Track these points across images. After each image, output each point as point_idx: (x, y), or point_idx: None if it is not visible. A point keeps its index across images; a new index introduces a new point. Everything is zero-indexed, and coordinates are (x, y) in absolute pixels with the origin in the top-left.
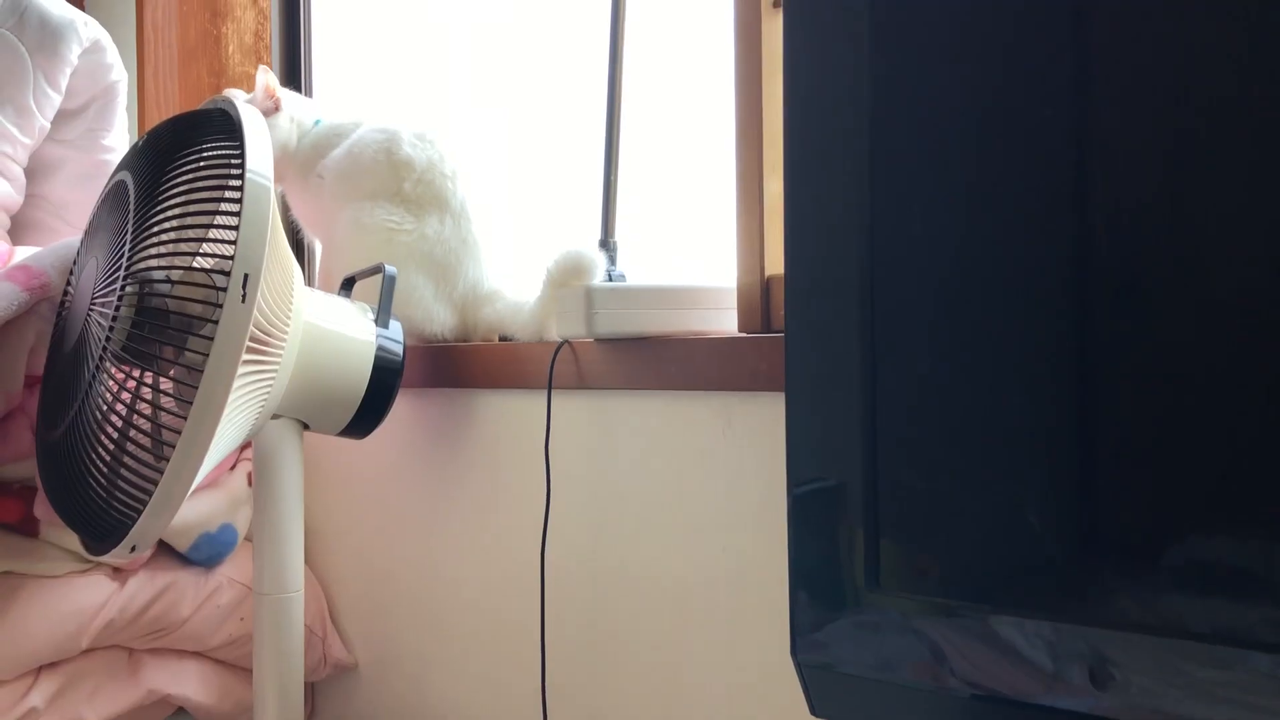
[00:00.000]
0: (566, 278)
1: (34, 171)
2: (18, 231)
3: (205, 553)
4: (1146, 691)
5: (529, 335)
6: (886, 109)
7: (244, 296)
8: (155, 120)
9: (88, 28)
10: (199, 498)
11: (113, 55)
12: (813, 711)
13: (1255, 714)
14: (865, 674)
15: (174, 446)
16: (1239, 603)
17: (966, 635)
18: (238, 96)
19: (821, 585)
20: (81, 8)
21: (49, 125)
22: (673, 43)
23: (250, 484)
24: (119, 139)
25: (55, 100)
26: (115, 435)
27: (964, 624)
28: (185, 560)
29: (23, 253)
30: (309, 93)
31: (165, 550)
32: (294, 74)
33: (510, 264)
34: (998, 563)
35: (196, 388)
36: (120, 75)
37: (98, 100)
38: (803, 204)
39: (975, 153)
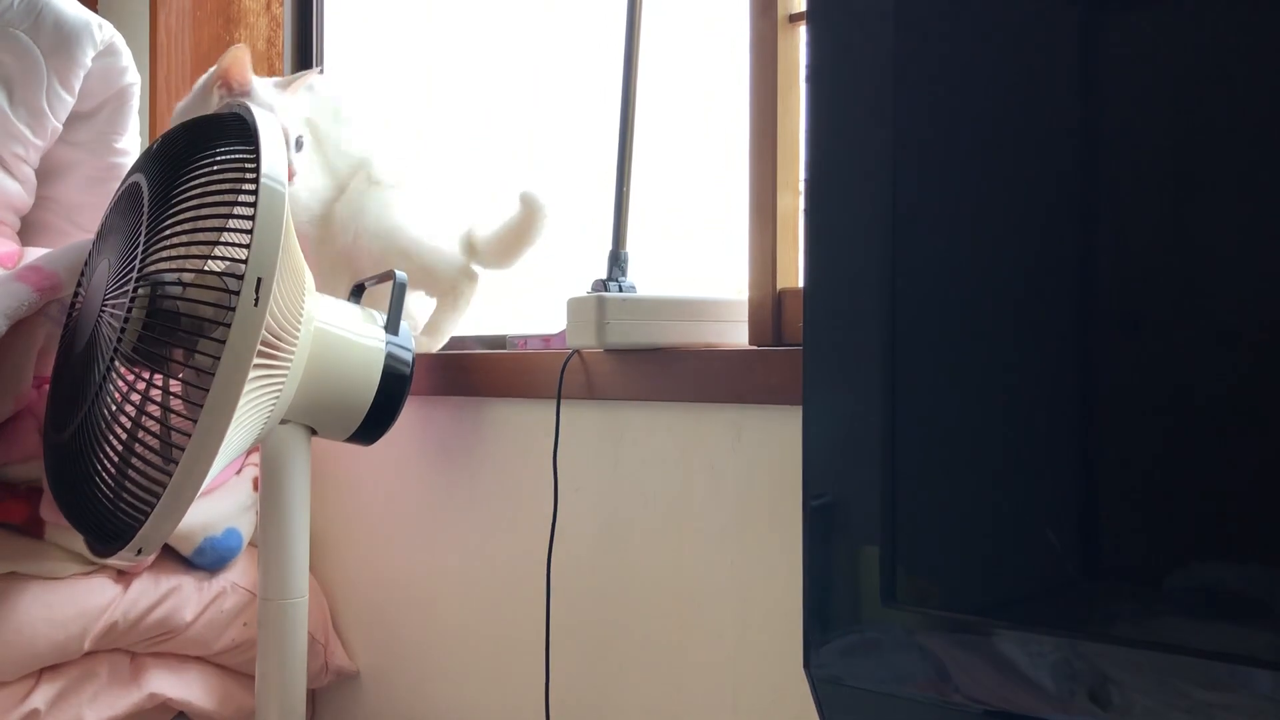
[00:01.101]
0: (521, 220)
1: (45, 173)
2: (28, 233)
3: (209, 557)
4: (1150, 712)
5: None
6: (910, 123)
7: (257, 300)
8: (167, 125)
9: (102, 30)
10: (204, 502)
11: (127, 58)
12: None
13: None
14: (877, 688)
15: (183, 449)
16: (1242, 623)
17: (979, 652)
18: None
19: (835, 599)
20: (94, 9)
21: (61, 127)
22: (687, 56)
23: (256, 489)
24: (131, 142)
25: (68, 102)
26: (124, 437)
27: (977, 641)
28: (189, 564)
29: (33, 254)
30: None
31: (169, 554)
32: None
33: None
34: (1012, 581)
35: (207, 390)
36: (134, 78)
37: (110, 103)
38: (824, 218)
39: (1000, 170)
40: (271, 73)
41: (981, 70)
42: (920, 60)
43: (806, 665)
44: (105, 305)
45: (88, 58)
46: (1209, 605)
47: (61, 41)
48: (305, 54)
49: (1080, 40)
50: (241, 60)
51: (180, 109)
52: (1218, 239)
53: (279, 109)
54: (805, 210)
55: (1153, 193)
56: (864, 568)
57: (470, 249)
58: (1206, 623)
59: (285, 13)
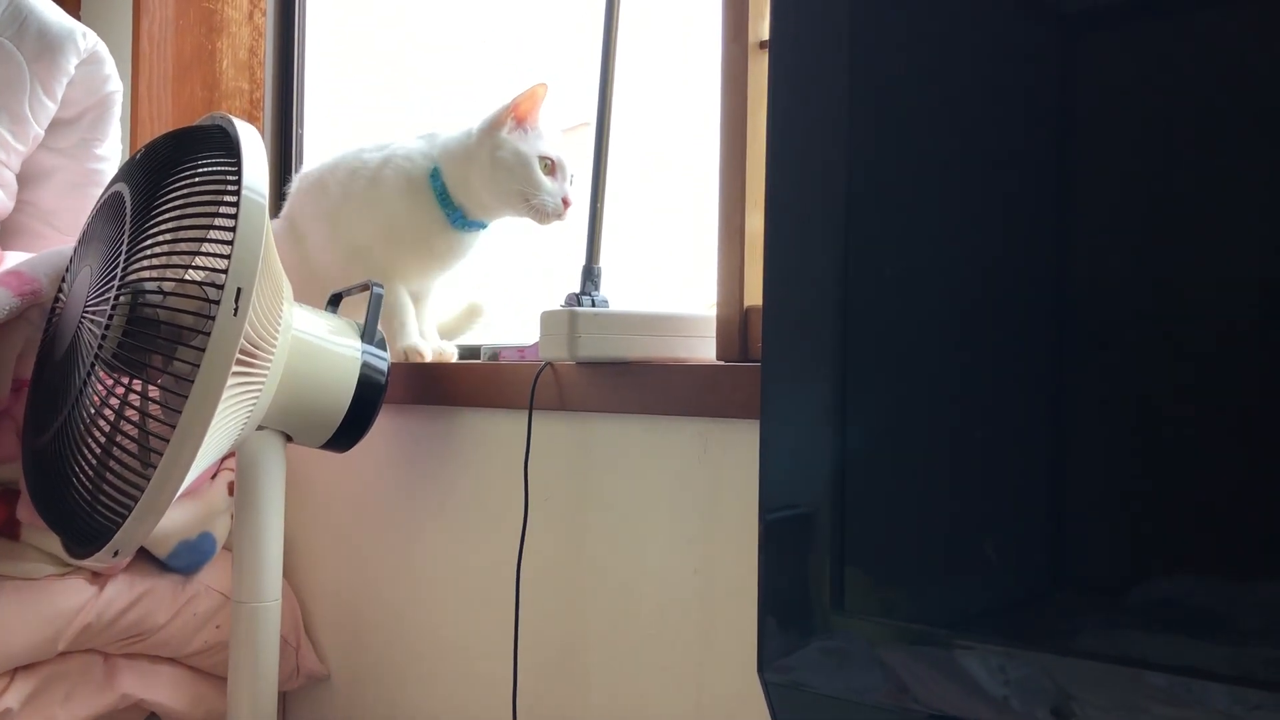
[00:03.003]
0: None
1: (25, 178)
2: (6, 237)
3: (184, 560)
4: None
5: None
6: (863, 149)
7: (236, 310)
8: (148, 132)
9: (86, 39)
10: (179, 506)
11: (110, 67)
12: None
13: None
14: (829, 692)
15: (161, 454)
16: (1196, 637)
17: (926, 659)
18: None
19: (789, 607)
20: (78, 17)
21: (43, 133)
22: (660, 80)
23: (231, 494)
24: (112, 149)
25: (51, 109)
26: (103, 440)
27: (923, 648)
28: (164, 567)
29: (12, 258)
30: (301, 109)
31: (144, 557)
32: (286, 90)
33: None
34: (958, 592)
35: (186, 397)
36: (116, 87)
37: (93, 111)
38: (783, 240)
39: (951, 192)
40: (252, 81)
41: (932, 98)
42: (872, 89)
43: (761, 670)
44: (87, 312)
45: (71, 65)
46: (1161, 618)
47: (45, 49)
48: (286, 63)
49: (1029, 67)
50: (538, 98)
51: (459, 138)
52: (1175, 279)
53: (559, 148)
54: (765, 231)
55: (1108, 219)
56: (816, 577)
57: None
58: (1160, 636)
59: (267, 22)
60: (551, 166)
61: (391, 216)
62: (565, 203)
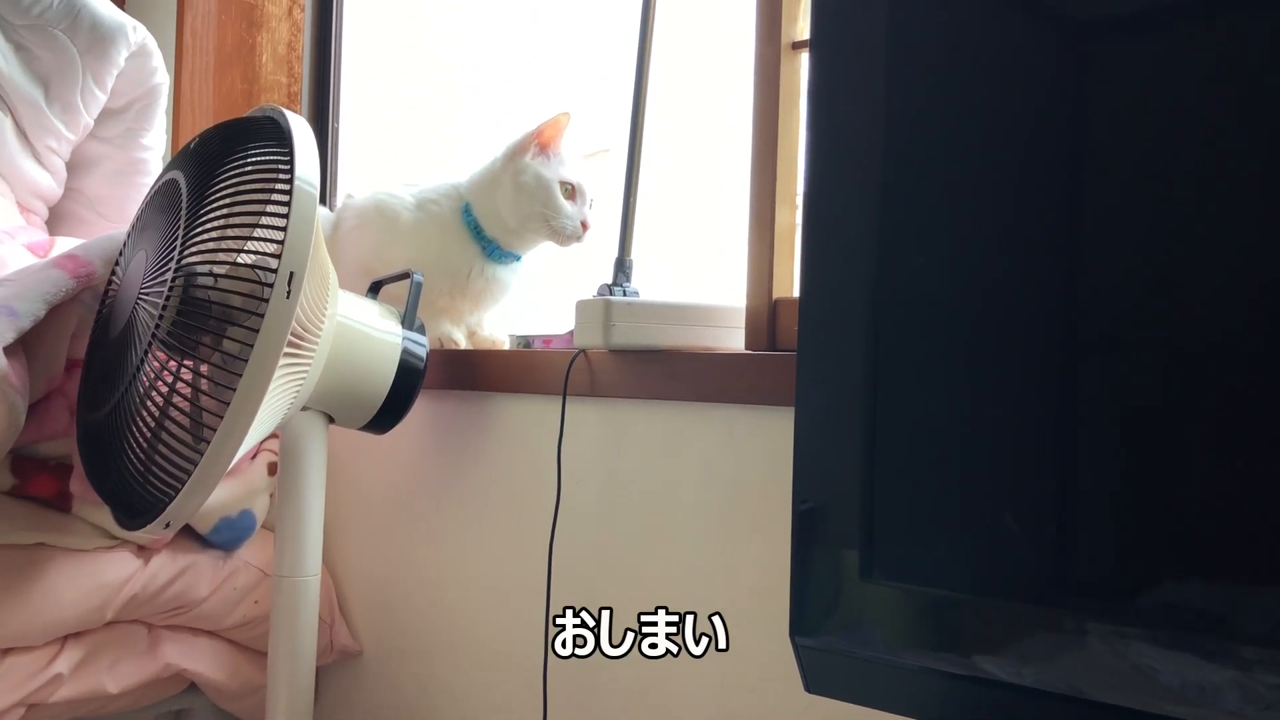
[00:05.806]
0: None
1: (73, 166)
2: (53, 223)
3: (225, 536)
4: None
5: None
6: (899, 146)
7: (289, 293)
8: (190, 123)
9: (136, 32)
10: (221, 485)
11: (157, 60)
12: (807, 688)
13: None
14: (856, 654)
15: (214, 429)
16: (1205, 633)
17: (947, 623)
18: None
19: (820, 575)
20: (124, 10)
21: (92, 123)
22: (694, 76)
23: (270, 474)
24: (157, 139)
25: (101, 99)
26: (157, 415)
27: (945, 614)
28: (205, 543)
29: (62, 243)
30: (337, 103)
31: (187, 532)
32: (323, 85)
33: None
34: (979, 561)
35: (239, 376)
36: (163, 79)
37: (140, 101)
38: (819, 233)
39: (984, 189)
40: (290, 75)
41: (967, 97)
42: (909, 88)
43: (793, 634)
44: (143, 294)
45: (121, 58)
46: (1172, 617)
47: (97, 41)
48: (324, 58)
49: (1064, 68)
50: (561, 126)
51: (485, 167)
52: (1193, 288)
53: (580, 174)
54: (802, 225)
55: (1133, 219)
56: (845, 550)
57: None
58: (1168, 634)
59: (306, 18)
60: (572, 191)
61: (428, 256)
62: (584, 226)
